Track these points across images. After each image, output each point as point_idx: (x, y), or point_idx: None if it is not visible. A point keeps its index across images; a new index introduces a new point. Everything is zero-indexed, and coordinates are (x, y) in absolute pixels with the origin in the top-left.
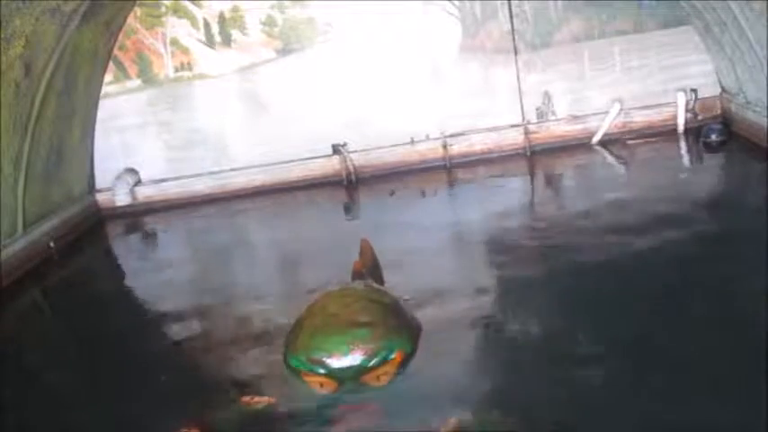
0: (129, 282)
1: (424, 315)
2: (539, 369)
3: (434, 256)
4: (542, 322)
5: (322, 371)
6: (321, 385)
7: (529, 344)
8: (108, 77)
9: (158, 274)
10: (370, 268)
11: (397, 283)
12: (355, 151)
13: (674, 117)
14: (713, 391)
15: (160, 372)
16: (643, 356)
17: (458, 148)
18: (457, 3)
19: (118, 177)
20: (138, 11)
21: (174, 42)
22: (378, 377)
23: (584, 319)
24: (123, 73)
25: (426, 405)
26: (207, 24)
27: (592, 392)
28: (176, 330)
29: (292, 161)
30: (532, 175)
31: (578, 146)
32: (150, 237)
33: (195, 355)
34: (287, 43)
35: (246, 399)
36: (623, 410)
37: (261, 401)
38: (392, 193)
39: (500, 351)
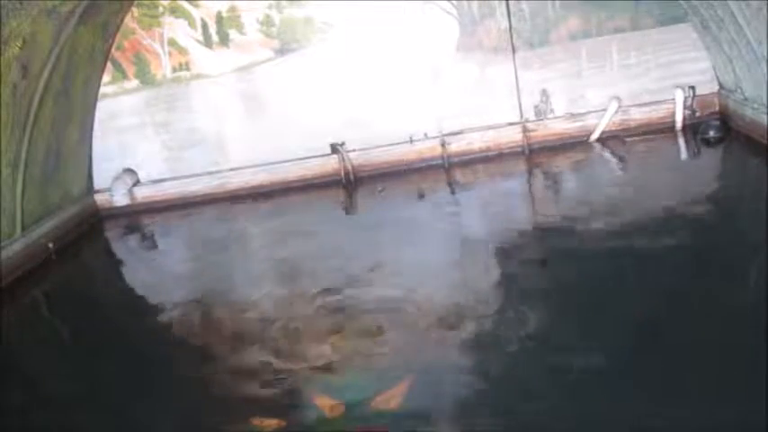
0: (127, 283)
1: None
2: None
3: (433, 255)
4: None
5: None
6: (331, 408)
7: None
8: (106, 78)
9: (157, 275)
10: None
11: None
12: (354, 150)
13: (672, 114)
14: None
15: (161, 378)
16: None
17: (456, 146)
18: (455, 2)
19: (116, 178)
20: (135, 11)
21: (172, 42)
22: (387, 401)
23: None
24: (121, 73)
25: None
26: (204, 24)
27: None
28: (177, 334)
29: (291, 161)
30: (531, 172)
31: (576, 143)
32: (149, 237)
33: (197, 363)
34: (285, 43)
35: (256, 421)
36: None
37: (271, 424)
38: (381, 190)
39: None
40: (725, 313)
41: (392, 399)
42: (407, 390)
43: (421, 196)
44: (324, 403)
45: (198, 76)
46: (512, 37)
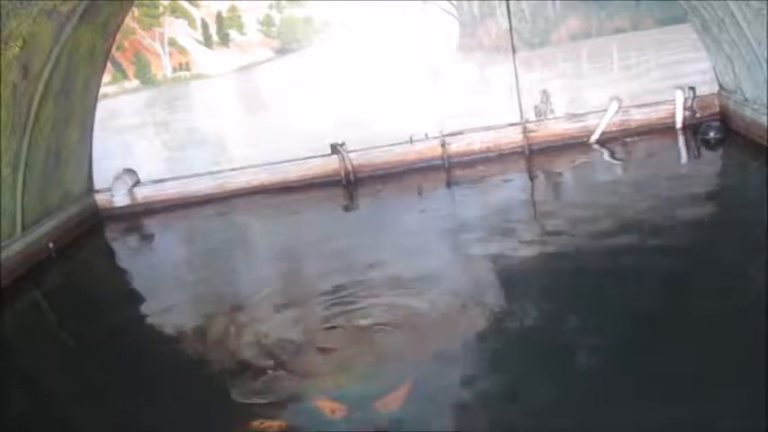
0: (128, 283)
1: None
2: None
3: (430, 255)
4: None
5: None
6: (333, 411)
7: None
8: (106, 78)
9: (157, 275)
10: None
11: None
12: (354, 150)
13: (672, 115)
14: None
15: (162, 378)
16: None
17: (456, 146)
18: (455, 2)
19: (117, 178)
20: (135, 11)
21: (172, 42)
22: (389, 402)
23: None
24: (121, 73)
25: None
26: (205, 24)
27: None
28: (176, 335)
29: (291, 161)
30: (531, 173)
31: (577, 144)
32: (149, 237)
33: (197, 363)
34: (285, 43)
35: (256, 423)
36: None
37: (272, 426)
38: (379, 191)
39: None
40: (722, 317)
41: (394, 400)
42: (409, 392)
43: (419, 193)
44: (325, 405)
45: (198, 76)
46: (512, 37)
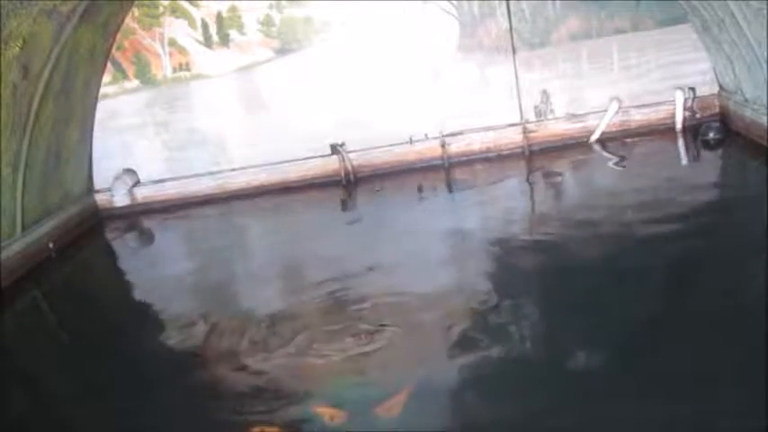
0: (127, 283)
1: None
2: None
3: (433, 254)
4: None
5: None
6: (332, 417)
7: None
8: (106, 78)
9: (157, 276)
10: None
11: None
12: (354, 151)
13: (672, 115)
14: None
15: (161, 380)
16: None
17: (456, 147)
18: (455, 2)
19: (117, 178)
20: (135, 11)
21: (172, 43)
22: (389, 408)
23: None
24: (122, 74)
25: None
26: (205, 24)
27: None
28: (176, 335)
29: (291, 161)
30: (531, 173)
31: (577, 144)
32: (149, 237)
33: (195, 366)
34: (285, 43)
35: (256, 430)
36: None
37: None
38: (379, 189)
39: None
40: (722, 316)
41: (394, 406)
42: (409, 397)
43: (419, 190)
44: (324, 411)
45: (198, 76)
46: (512, 37)
